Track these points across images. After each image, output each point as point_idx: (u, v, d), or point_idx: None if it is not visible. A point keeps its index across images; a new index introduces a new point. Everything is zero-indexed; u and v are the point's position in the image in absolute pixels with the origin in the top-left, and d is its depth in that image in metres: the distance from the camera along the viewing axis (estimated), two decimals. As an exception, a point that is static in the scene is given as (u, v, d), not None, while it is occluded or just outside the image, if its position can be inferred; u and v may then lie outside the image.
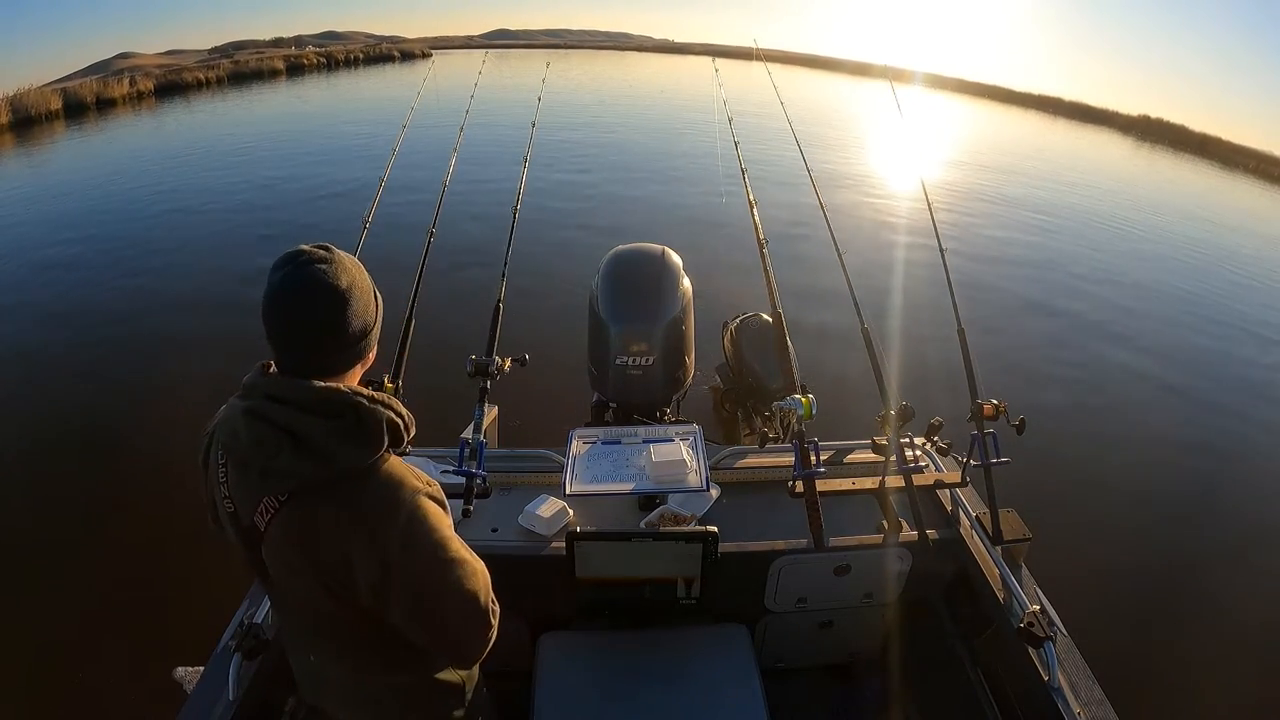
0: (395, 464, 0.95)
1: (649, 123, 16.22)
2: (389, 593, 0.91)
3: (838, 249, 2.10)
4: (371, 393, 0.92)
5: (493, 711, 1.28)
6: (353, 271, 0.93)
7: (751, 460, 1.99)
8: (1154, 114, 31.79)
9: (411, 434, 0.96)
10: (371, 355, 1.00)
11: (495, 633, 1.01)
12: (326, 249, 0.93)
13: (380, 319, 0.99)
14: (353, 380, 0.98)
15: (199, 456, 1.00)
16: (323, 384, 0.89)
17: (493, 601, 1.01)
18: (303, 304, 0.89)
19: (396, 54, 41.14)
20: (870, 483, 1.73)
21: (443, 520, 0.96)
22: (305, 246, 0.92)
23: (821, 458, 1.63)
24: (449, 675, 1.12)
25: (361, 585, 0.90)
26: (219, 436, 0.94)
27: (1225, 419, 4.76)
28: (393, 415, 0.92)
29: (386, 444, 0.92)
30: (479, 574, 0.99)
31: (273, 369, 0.93)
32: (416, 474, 0.97)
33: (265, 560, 0.94)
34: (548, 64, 4.01)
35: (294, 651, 1.13)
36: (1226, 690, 2.57)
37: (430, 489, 0.97)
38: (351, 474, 0.90)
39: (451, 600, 0.95)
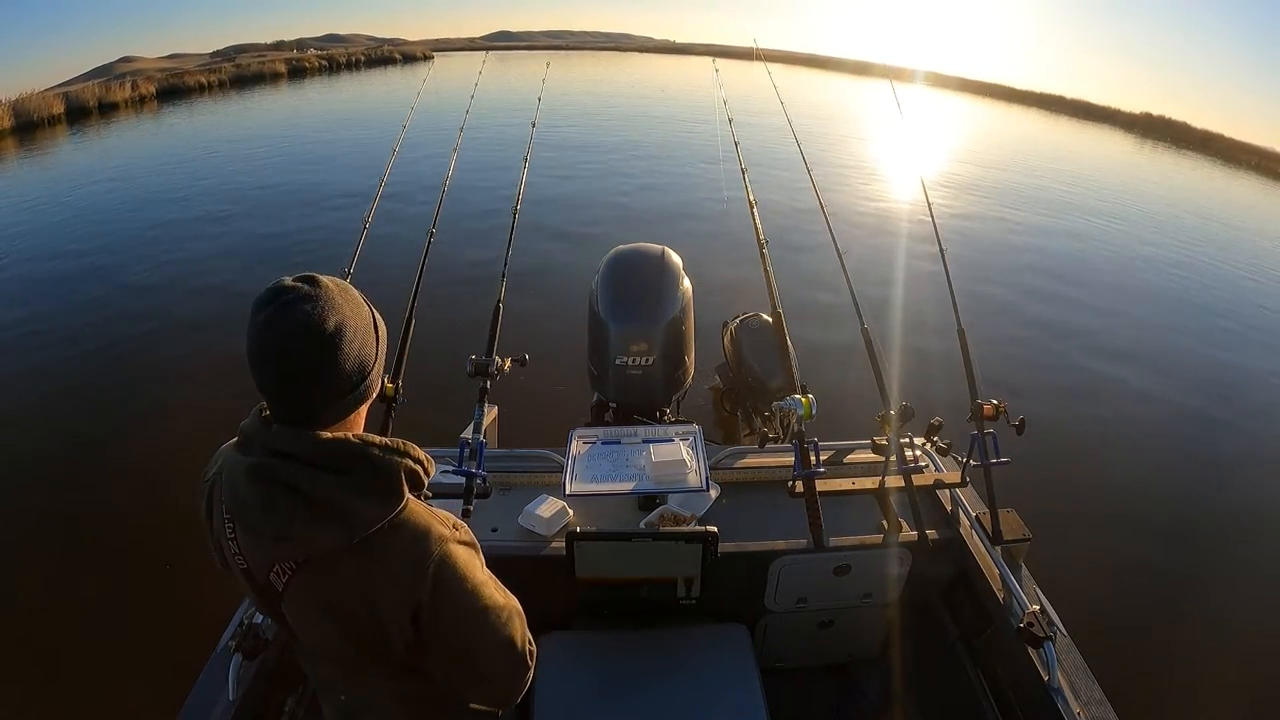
0: (417, 511, 0.88)
1: (649, 123, 16.22)
2: (423, 647, 0.88)
3: (838, 249, 2.10)
4: (384, 440, 0.85)
5: (489, 711, 1.27)
6: (342, 308, 0.82)
7: (751, 460, 1.99)
8: (1156, 111, 31.77)
9: (431, 475, 0.89)
10: (375, 391, 0.90)
11: (532, 673, 0.98)
12: (311, 281, 0.82)
13: (383, 348, 0.90)
14: (359, 421, 0.90)
15: (199, 506, 0.93)
16: (331, 436, 0.82)
17: (529, 642, 0.97)
18: (288, 355, 0.79)
19: (398, 56, 41.24)
20: (870, 483, 1.73)
21: (473, 566, 0.90)
22: (287, 281, 0.81)
23: (821, 458, 1.63)
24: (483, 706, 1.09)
25: (395, 639, 0.86)
26: (220, 494, 0.87)
27: (1226, 419, 4.75)
28: (410, 463, 0.85)
29: (406, 494, 0.85)
30: (515, 616, 0.94)
31: (267, 414, 0.85)
32: (442, 519, 0.90)
33: (286, 615, 0.89)
34: (548, 64, 4.01)
35: (326, 690, 1.07)
36: (1226, 690, 2.56)
37: (458, 534, 0.91)
38: (371, 530, 0.83)
39: (488, 649, 0.91)
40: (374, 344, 0.88)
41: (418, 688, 0.97)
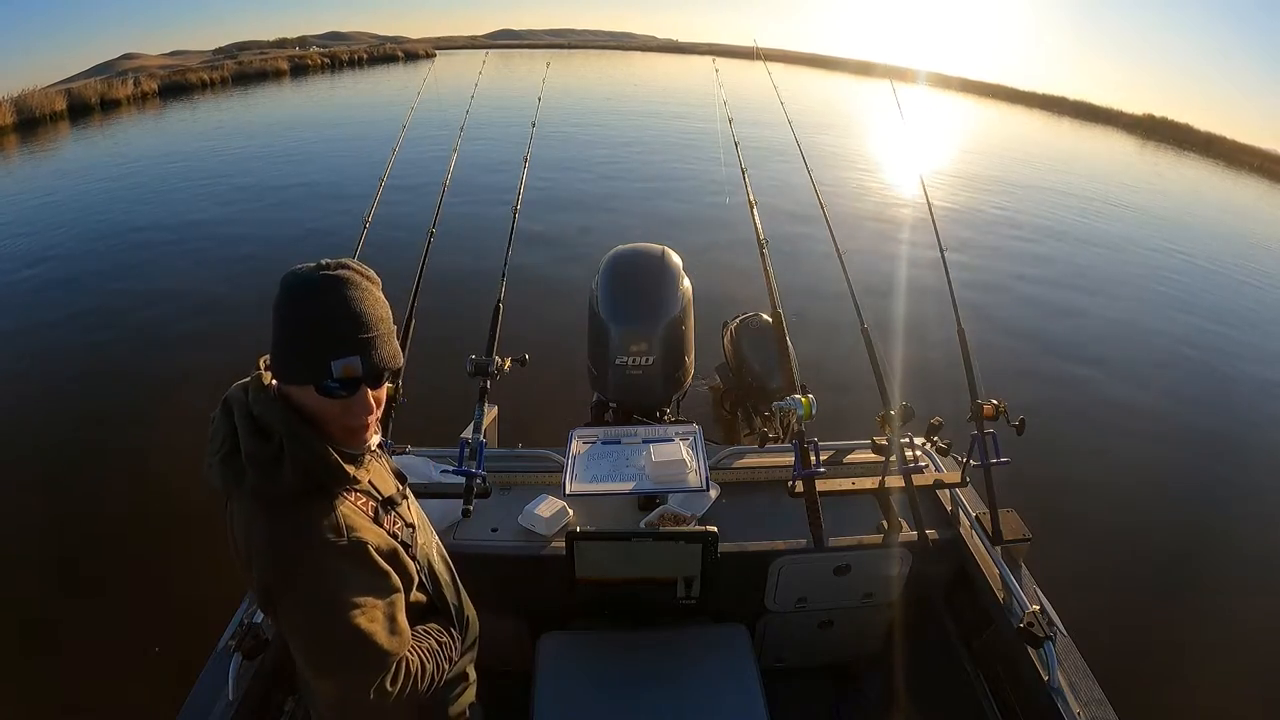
0: (323, 508, 0.88)
1: (649, 123, 16.20)
2: (277, 620, 0.92)
3: (838, 249, 2.10)
4: (311, 433, 0.87)
5: (492, 710, 1.28)
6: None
7: (751, 460, 1.99)
8: (1159, 113, 31.69)
9: (340, 486, 0.90)
10: (384, 394, 0.95)
11: (402, 688, 0.94)
12: (344, 265, 0.91)
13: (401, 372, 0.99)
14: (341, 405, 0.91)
15: None
16: (283, 404, 0.87)
17: (415, 680, 0.95)
18: (349, 285, 0.87)
19: (400, 54, 41.21)
20: (870, 483, 1.72)
21: (350, 584, 0.88)
22: (326, 261, 0.90)
23: (821, 458, 1.63)
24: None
25: (258, 592, 0.89)
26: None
27: (1227, 419, 4.75)
28: (312, 460, 0.85)
29: (291, 485, 0.84)
30: (384, 653, 0.90)
31: (265, 364, 0.91)
32: (351, 524, 0.88)
33: None
34: (548, 64, 4.01)
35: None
36: (1226, 690, 2.56)
37: (349, 548, 0.87)
38: (272, 497, 0.85)
39: (341, 678, 0.91)
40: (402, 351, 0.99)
41: None
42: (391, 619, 0.92)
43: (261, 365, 0.92)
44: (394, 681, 0.92)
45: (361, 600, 0.88)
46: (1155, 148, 25.76)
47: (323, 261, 0.89)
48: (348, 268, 0.89)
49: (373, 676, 0.90)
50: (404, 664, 0.95)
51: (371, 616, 0.89)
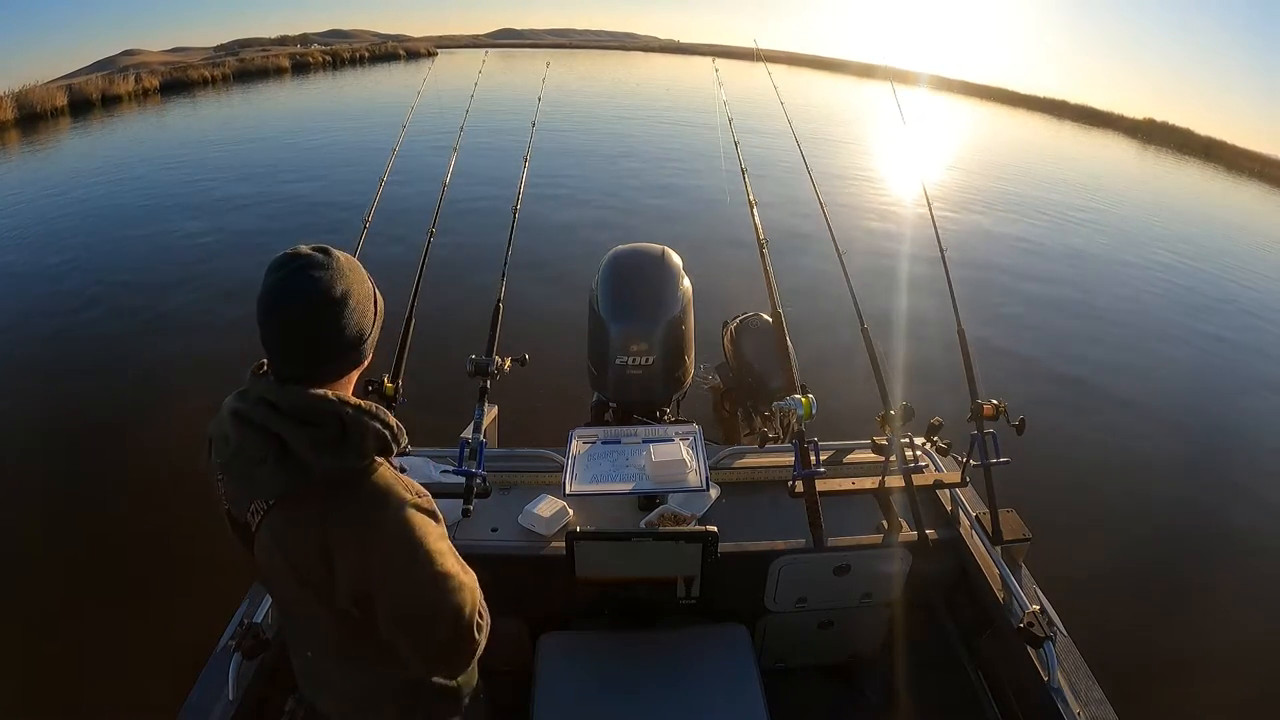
0: (385, 474, 0.93)
1: (650, 123, 16.21)
2: (374, 602, 0.91)
3: (838, 249, 2.10)
4: (360, 402, 0.91)
5: (491, 711, 1.28)
6: (349, 276, 0.91)
7: (751, 460, 1.99)
8: (1159, 117, 31.67)
9: (402, 444, 0.95)
10: (366, 360, 0.98)
11: (481, 647, 1.01)
12: (324, 251, 0.91)
13: (379, 322, 0.98)
14: (349, 384, 0.97)
15: (204, 457, 1.00)
16: (314, 391, 0.88)
17: (480, 615, 1.00)
18: (295, 312, 0.87)
19: (402, 53, 41.22)
20: (870, 483, 1.72)
21: (430, 531, 0.94)
22: (303, 248, 0.90)
23: (821, 458, 1.63)
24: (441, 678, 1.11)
25: (343, 592, 0.91)
26: (214, 437, 0.94)
27: (1228, 420, 4.75)
28: (379, 426, 0.90)
29: (371, 455, 0.90)
30: (466, 588, 0.97)
31: (264, 370, 0.92)
32: (406, 484, 0.95)
33: (256, 554, 0.96)
34: (548, 64, 4.01)
35: (293, 649, 1.13)
36: (1226, 690, 2.56)
37: (420, 500, 0.95)
38: (338, 482, 0.89)
39: (431, 613, 0.94)
40: (373, 315, 0.96)
41: (374, 653, 0.99)
42: (459, 563, 0.98)
43: (259, 369, 0.93)
44: (482, 617, 1.00)
45: (443, 546, 0.95)
46: (1156, 151, 25.78)
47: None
48: (289, 263, 0.89)
49: (467, 611, 0.97)
50: (480, 603, 1.01)
51: (452, 559, 0.96)
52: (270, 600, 1.48)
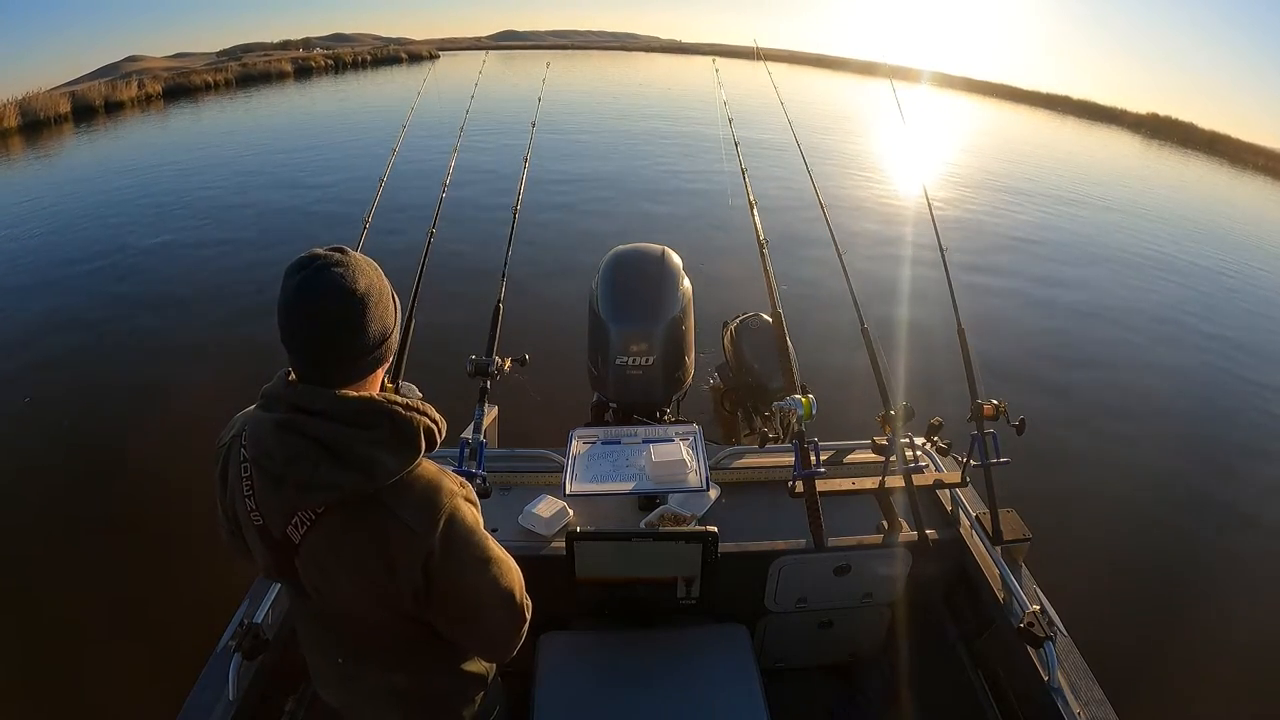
0: (429, 468, 0.94)
1: (650, 123, 16.20)
2: (431, 596, 0.92)
3: (838, 249, 2.10)
4: (405, 399, 0.91)
5: (507, 702, 1.29)
6: (370, 273, 0.90)
7: (751, 460, 1.99)
8: (1163, 112, 31.58)
9: (442, 437, 0.95)
10: (391, 356, 0.97)
11: (527, 627, 1.05)
12: (341, 251, 0.89)
13: (399, 319, 0.97)
14: (374, 384, 0.95)
15: (215, 469, 0.98)
16: (355, 394, 0.87)
17: (526, 596, 1.04)
18: (320, 312, 0.85)
19: (404, 56, 41.26)
20: (870, 483, 1.72)
21: (478, 521, 0.97)
22: (319, 250, 0.88)
23: (821, 458, 1.63)
24: (474, 667, 1.13)
25: (405, 591, 0.91)
26: (243, 450, 0.92)
27: (1228, 421, 4.73)
28: (428, 421, 0.92)
29: (422, 451, 0.91)
30: (513, 571, 1.01)
31: (293, 377, 0.89)
32: (450, 475, 0.97)
33: (299, 570, 0.93)
34: (548, 65, 4.01)
35: (320, 653, 1.11)
36: (1227, 690, 2.56)
37: (464, 490, 0.97)
38: (392, 482, 0.89)
39: (490, 600, 0.97)
40: (394, 312, 0.95)
41: (417, 646, 1.02)
42: (498, 545, 1.01)
43: (289, 377, 0.90)
44: (526, 594, 1.04)
45: (485, 532, 0.98)
46: (1160, 147, 25.70)
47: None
48: (309, 264, 0.87)
49: (518, 592, 1.01)
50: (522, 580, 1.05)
51: (495, 543, 1.00)
52: (270, 600, 1.48)
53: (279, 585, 1.49)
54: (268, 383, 0.91)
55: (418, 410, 0.91)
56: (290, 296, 0.85)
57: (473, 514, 0.96)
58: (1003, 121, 27.37)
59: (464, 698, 1.13)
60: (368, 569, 0.90)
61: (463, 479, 0.99)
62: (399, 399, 0.91)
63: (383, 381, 0.99)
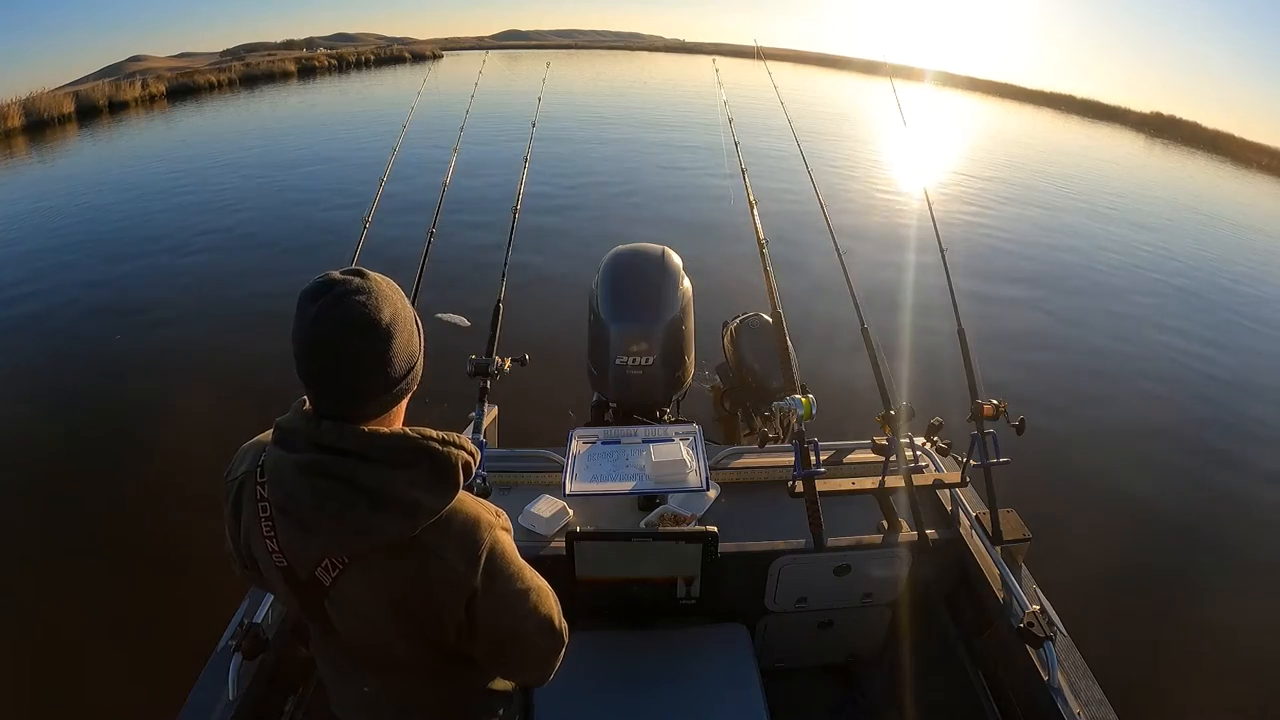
0: (466, 501, 0.90)
1: (650, 123, 16.17)
2: (474, 630, 0.90)
3: (838, 249, 2.10)
4: (440, 434, 0.85)
5: (525, 713, 1.29)
6: (393, 299, 0.82)
7: (751, 460, 1.99)
8: (1166, 111, 31.44)
9: (477, 467, 0.91)
10: (417, 385, 0.90)
11: (565, 650, 1.03)
12: (360, 274, 0.81)
13: (423, 344, 0.90)
14: (400, 415, 0.89)
15: (225, 506, 0.93)
16: (387, 431, 0.82)
17: (562, 619, 1.02)
18: (343, 348, 0.78)
19: (407, 55, 41.22)
20: (870, 483, 1.72)
21: (514, 549, 0.95)
22: (335, 275, 0.80)
23: (821, 458, 1.63)
24: (500, 685, 1.11)
25: (448, 629, 0.89)
26: (260, 488, 0.87)
27: (1228, 420, 4.72)
28: (465, 455, 0.86)
29: (461, 485, 0.86)
30: (550, 595, 0.99)
31: (309, 406, 0.83)
32: (485, 505, 0.93)
33: (329, 612, 0.89)
34: (548, 64, 4.01)
35: (344, 682, 1.06)
36: (1227, 690, 2.55)
37: (500, 520, 0.94)
38: (453, 507, 0.86)
39: (531, 629, 0.95)
40: (419, 338, 0.89)
41: (449, 672, 1.00)
42: (531, 569, 0.98)
43: (305, 409, 0.84)
44: (563, 616, 1.02)
45: (521, 560, 0.96)
46: (1163, 146, 25.62)
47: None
48: (328, 290, 0.80)
49: (557, 617, 0.99)
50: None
51: (530, 570, 0.97)
52: (270, 600, 1.49)
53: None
54: (283, 414, 0.84)
55: (454, 444, 0.85)
56: (308, 331, 0.77)
57: (510, 544, 0.93)
58: (1005, 120, 27.30)
59: (489, 712, 1.12)
60: (408, 610, 0.87)
61: (497, 508, 0.96)
62: (434, 434, 0.84)
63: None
